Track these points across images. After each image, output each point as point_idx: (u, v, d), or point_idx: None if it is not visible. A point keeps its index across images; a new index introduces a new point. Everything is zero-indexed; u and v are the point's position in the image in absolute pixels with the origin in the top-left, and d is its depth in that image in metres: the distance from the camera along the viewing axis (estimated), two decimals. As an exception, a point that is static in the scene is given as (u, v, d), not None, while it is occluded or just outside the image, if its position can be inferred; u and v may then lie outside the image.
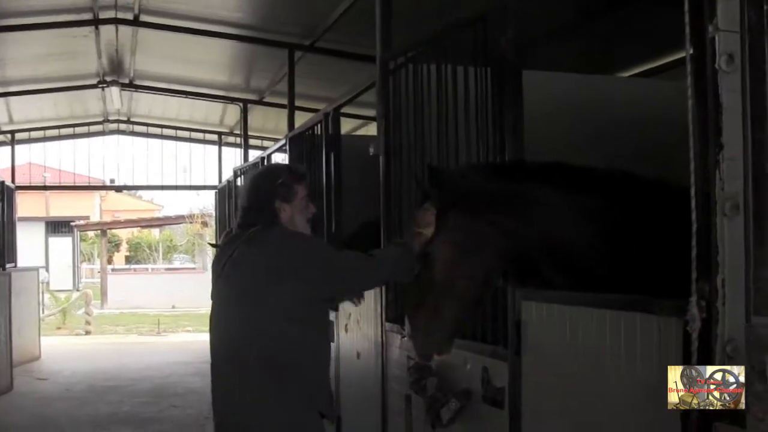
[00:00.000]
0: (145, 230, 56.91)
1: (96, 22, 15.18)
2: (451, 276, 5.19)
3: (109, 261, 52.44)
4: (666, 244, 4.59)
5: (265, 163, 14.27)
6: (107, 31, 15.95)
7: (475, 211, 5.14)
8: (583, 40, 11.46)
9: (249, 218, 5.55)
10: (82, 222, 44.84)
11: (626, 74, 11.90)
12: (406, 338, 5.67)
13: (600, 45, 11.55)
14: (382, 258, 5.56)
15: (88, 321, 30.60)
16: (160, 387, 15.26)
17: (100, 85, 19.67)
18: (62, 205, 47.32)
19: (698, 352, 3.23)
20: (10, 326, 17.15)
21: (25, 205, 43.94)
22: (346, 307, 8.81)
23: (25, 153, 27.49)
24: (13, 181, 21.96)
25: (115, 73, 19.43)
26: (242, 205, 5.70)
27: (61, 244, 48.85)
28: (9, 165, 23.99)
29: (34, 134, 25.39)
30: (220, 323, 5.49)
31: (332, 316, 9.36)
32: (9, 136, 24.31)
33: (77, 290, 40.55)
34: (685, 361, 3.30)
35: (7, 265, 18.01)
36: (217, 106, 22.31)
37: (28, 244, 41.38)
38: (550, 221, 5.06)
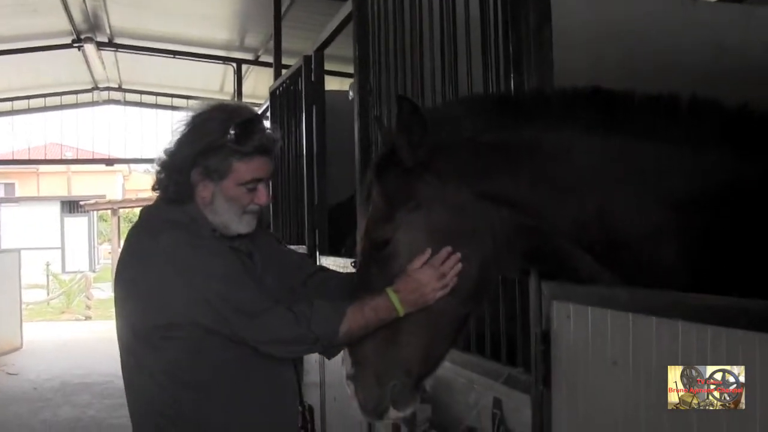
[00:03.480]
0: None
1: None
2: None
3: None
4: None
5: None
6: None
7: (467, 176, 3.53)
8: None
9: (160, 182, 4.03)
10: (92, 201, 43.92)
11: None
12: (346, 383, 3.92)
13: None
14: (274, 330, 3.81)
15: (89, 305, 30.16)
16: (139, 384, 13.67)
17: (75, 45, 18.19)
18: (84, 186, 47.07)
19: None
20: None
21: (46, 185, 44.37)
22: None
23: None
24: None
25: (92, 31, 18.01)
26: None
27: (79, 225, 47.98)
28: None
29: (17, 105, 23.93)
30: None
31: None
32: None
33: (93, 271, 40.30)
34: None
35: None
36: (217, 72, 20.93)
37: (44, 224, 41.89)
38: (593, 190, 3.50)
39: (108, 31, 18.16)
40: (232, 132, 3.76)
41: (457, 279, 3.49)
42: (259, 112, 12.50)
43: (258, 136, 3.84)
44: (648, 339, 2.90)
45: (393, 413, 3.67)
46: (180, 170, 3.85)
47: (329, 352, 3.84)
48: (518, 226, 3.49)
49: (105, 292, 35.05)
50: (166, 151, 3.94)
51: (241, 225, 3.94)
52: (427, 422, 4.65)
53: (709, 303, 2.64)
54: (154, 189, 4.04)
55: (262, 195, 3.92)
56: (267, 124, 4.56)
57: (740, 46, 6.09)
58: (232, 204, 3.88)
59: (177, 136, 3.91)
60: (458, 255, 3.47)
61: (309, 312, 3.69)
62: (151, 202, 4.12)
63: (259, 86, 20.42)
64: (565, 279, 3.61)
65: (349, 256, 6.73)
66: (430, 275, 3.46)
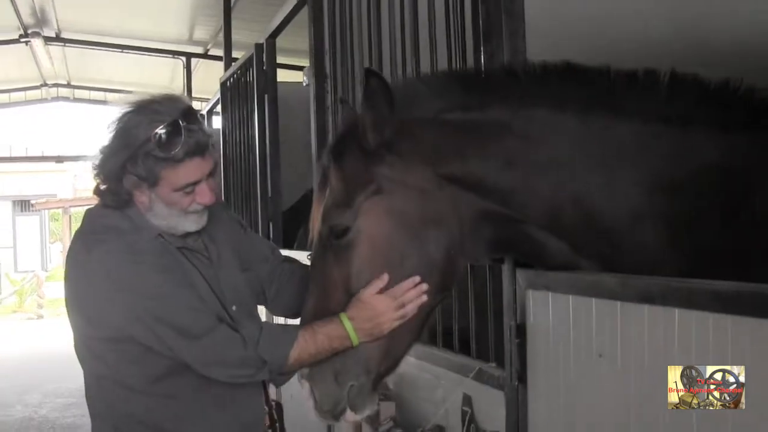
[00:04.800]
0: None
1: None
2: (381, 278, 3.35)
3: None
4: None
5: (205, 124, 12.28)
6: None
7: (432, 158, 3.31)
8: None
9: (97, 187, 3.75)
10: (43, 199, 43.68)
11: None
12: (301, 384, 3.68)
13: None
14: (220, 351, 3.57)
15: (41, 304, 30.28)
16: (93, 383, 13.64)
17: (23, 39, 17.69)
18: (36, 185, 46.72)
19: None
20: None
21: None
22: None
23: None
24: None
25: (39, 25, 17.50)
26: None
27: (31, 224, 47.97)
28: None
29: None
30: None
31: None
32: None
33: (45, 270, 40.34)
34: None
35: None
36: (166, 66, 20.42)
37: None
38: (567, 173, 3.30)
39: (56, 25, 17.73)
40: (156, 138, 3.46)
41: (425, 268, 3.26)
42: (210, 104, 12.28)
43: (185, 138, 3.51)
44: (639, 329, 2.69)
45: (350, 416, 3.46)
46: (112, 179, 3.60)
47: (277, 380, 3.62)
48: (486, 212, 3.28)
49: (57, 290, 35.15)
50: (100, 152, 3.64)
51: (188, 224, 3.68)
52: (390, 421, 4.45)
53: (713, 288, 2.42)
54: (94, 194, 3.78)
55: (204, 195, 3.62)
56: (203, 117, 4.35)
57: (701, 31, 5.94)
58: (172, 208, 3.61)
59: (107, 139, 3.61)
60: (423, 286, 3.26)
61: (257, 334, 3.47)
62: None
63: (208, 80, 20.15)
64: (540, 267, 3.38)
65: (303, 249, 6.53)
66: (389, 305, 3.27)
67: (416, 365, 4.32)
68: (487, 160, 3.26)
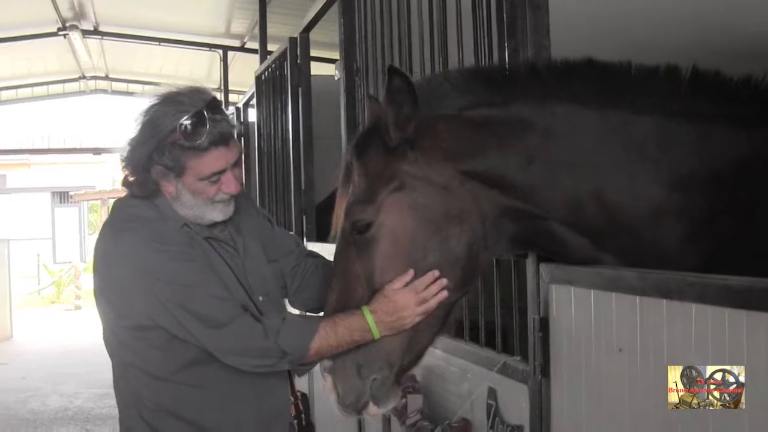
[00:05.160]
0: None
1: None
2: (402, 273, 3.33)
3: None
4: None
5: (241, 117, 12.33)
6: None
7: (454, 154, 3.31)
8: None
9: (125, 179, 3.83)
10: (81, 191, 43.81)
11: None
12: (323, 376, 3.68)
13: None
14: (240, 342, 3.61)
15: (78, 295, 30.34)
16: (127, 374, 13.74)
17: (61, 33, 17.70)
18: (71, 176, 46.81)
19: None
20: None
21: (37, 176, 44.43)
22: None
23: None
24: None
25: (77, 18, 17.50)
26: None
27: (69, 215, 47.97)
28: None
29: (5, 95, 23.76)
30: None
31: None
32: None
33: (83, 262, 40.51)
34: None
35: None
36: (203, 59, 20.35)
37: (35, 214, 42.15)
38: (589, 169, 3.30)
39: (93, 18, 17.75)
40: (181, 128, 3.52)
41: (445, 263, 3.26)
42: (245, 98, 12.26)
43: (209, 128, 3.57)
44: (658, 323, 2.67)
45: (373, 409, 3.45)
46: (139, 169, 3.66)
47: (298, 370, 3.67)
48: (507, 208, 3.28)
49: (94, 282, 35.29)
50: (127, 144, 3.71)
51: (214, 213, 3.73)
52: (418, 413, 4.40)
53: (726, 283, 2.39)
54: (122, 185, 3.86)
55: (230, 184, 3.67)
56: (229, 109, 4.33)
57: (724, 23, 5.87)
58: (198, 197, 3.67)
59: (134, 131, 3.67)
60: (443, 281, 3.26)
61: (279, 326, 3.50)
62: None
63: (245, 73, 20.07)
64: (562, 262, 3.37)
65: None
66: (410, 299, 3.27)
67: (443, 358, 4.31)
68: (509, 157, 3.26)
